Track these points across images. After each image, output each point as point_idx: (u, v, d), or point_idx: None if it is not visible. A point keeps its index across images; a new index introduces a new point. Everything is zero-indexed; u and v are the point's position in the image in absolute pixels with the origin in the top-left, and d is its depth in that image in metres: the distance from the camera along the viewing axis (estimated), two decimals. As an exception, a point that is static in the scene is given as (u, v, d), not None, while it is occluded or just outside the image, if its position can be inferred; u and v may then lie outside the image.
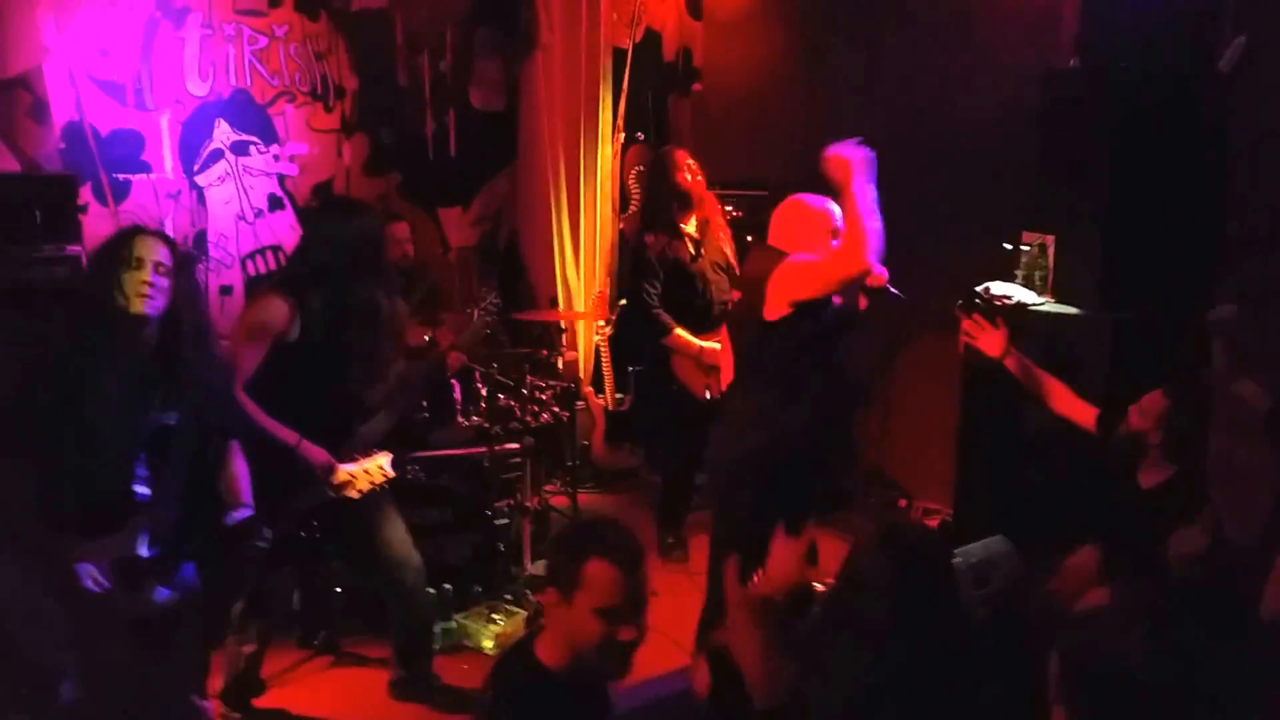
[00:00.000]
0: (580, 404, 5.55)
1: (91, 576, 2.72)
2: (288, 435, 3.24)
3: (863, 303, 3.83)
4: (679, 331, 4.74)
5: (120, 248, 2.81)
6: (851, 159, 3.24)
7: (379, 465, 3.26)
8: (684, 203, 4.82)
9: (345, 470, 3.23)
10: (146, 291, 2.76)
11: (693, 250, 4.82)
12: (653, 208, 4.97)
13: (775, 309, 3.43)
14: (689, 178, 4.82)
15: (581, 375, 5.93)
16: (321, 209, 3.68)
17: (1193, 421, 3.15)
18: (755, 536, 2.38)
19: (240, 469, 3.08)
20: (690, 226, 4.86)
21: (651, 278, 4.78)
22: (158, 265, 2.79)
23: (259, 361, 3.25)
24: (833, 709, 1.91)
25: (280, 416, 3.25)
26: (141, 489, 2.83)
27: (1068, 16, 4.56)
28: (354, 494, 3.23)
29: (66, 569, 2.72)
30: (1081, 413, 3.42)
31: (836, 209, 3.52)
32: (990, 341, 3.62)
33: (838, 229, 3.48)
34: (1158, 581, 2.76)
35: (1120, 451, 3.21)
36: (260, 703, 3.68)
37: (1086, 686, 1.48)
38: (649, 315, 4.82)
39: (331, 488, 3.21)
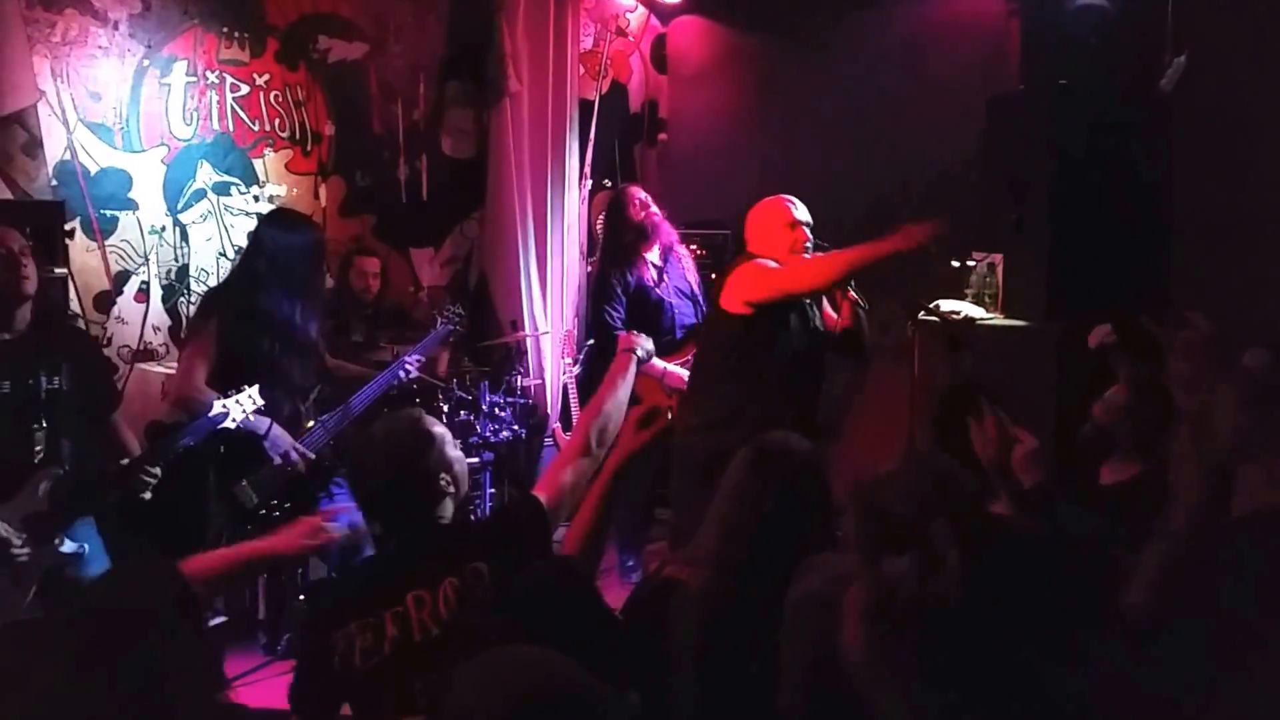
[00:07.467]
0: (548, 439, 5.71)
1: (5, 530, 2.98)
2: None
3: (830, 318, 4.10)
4: None
5: None
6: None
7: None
8: (641, 234, 5.00)
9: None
10: (23, 273, 3.18)
11: (655, 276, 5.00)
12: (614, 242, 5.13)
13: (731, 301, 3.86)
14: (642, 211, 5.01)
15: (549, 411, 6.09)
16: (265, 218, 3.97)
17: (1156, 415, 3.01)
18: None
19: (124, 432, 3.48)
20: (653, 255, 5.06)
21: (614, 302, 4.92)
22: (23, 249, 3.21)
23: (208, 364, 3.63)
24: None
25: None
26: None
27: (1013, 44, 4.84)
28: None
29: None
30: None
31: (798, 203, 3.96)
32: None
33: (795, 221, 3.92)
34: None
35: (1085, 447, 3.14)
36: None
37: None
38: (612, 338, 4.86)
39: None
